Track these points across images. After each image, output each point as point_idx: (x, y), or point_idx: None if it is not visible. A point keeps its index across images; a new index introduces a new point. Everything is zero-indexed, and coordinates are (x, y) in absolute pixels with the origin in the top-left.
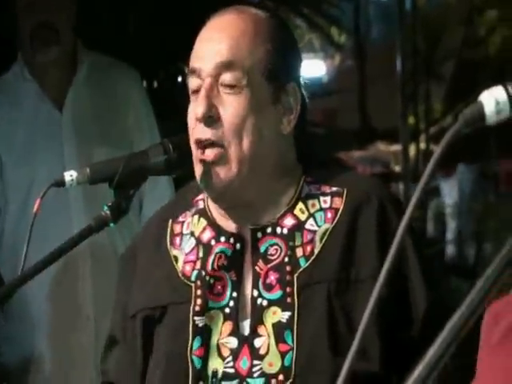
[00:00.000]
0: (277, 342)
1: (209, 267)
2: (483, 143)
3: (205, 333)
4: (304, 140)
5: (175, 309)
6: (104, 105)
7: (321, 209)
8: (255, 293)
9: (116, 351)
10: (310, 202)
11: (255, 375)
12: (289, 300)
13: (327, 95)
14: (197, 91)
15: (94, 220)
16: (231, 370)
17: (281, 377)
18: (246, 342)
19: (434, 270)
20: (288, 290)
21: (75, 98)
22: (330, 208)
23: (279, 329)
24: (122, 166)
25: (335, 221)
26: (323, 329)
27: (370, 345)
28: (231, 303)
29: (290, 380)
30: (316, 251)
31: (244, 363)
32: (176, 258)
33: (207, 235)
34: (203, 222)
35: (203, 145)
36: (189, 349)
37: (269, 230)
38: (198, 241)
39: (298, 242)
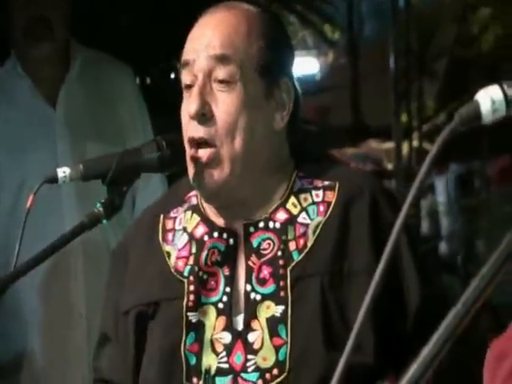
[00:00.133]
0: (271, 337)
1: (202, 263)
2: (475, 141)
3: (198, 328)
4: (297, 135)
5: (168, 305)
6: (97, 101)
7: (313, 202)
8: (248, 287)
9: (108, 348)
10: (302, 196)
11: (249, 370)
12: (282, 294)
13: (320, 92)
14: (190, 86)
15: (86, 217)
16: (225, 366)
17: (275, 371)
18: (240, 336)
19: (428, 267)
20: (281, 283)
21: (68, 95)
22: (323, 201)
23: (273, 323)
24: (115, 163)
25: (328, 214)
26: (317, 322)
27: (364, 338)
28: (224, 298)
29: (285, 374)
30: (309, 244)
31: (238, 358)
32: (168, 254)
33: (200, 231)
34: (196, 217)
35: (196, 143)
36: (182, 345)
37: (261, 224)
38: (191, 236)
39: (290, 236)
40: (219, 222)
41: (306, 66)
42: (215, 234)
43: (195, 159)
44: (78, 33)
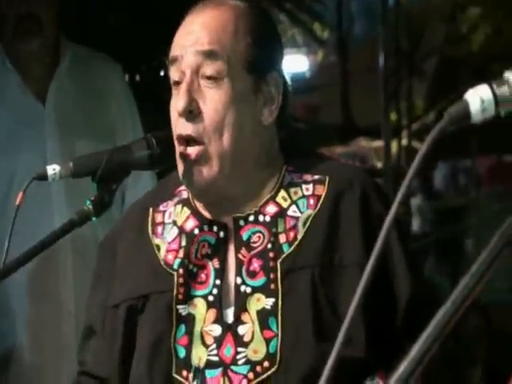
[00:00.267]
0: (261, 329)
1: (192, 256)
2: (463, 139)
3: (188, 321)
4: (286, 128)
5: (157, 298)
6: (87, 98)
7: (303, 196)
8: (238, 280)
9: (94, 341)
10: (292, 190)
11: (240, 363)
12: (272, 286)
13: (309, 91)
14: (178, 83)
15: (76, 214)
16: (215, 358)
17: (266, 364)
18: (230, 329)
19: (418, 264)
20: (272, 276)
21: (58, 91)
22: (313, 195)
23: (263, 315)
24: (105, 161)
25: (318, 207)
26: (308, 314)
27: (355, 333)
28: (214, 291)
29: (276, 367)
30: (299, 237)
31: (228, 351)
32: (158, 247)
33: (190, 224)
34: (186, 211)
35: (185, 140)
36: (172, 337)
37: (251, 218)
38: (181, 230)
39: (280, 229)
40: (209, 215)
41: (295, 64)
42: (205, 228)
43: (184, 156)
44: (67, 30)
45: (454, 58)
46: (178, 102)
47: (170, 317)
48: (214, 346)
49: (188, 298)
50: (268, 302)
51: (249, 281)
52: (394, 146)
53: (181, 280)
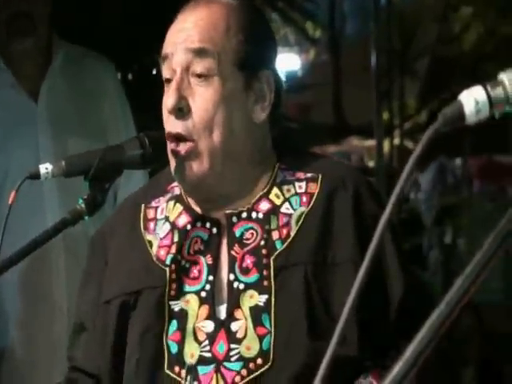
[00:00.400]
0: (254, 326)
1: (185, 251)
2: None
3: (180, 317)
4: (279, 125)
5: (149, 293)
6: (80, 96)
7: (296, 193)
8: (231, 276)
9: (84, 337)
10: (285, 188)
11: (232, 359)
12: (265, 283)
13: (302, 89)
14: (169, 80)
15: (69, 213)
16: (208, 355)
17: (259, 360)
18: (223, 326)
19: (410, 263)
20: (265, 272)
21: (50, 89)
22: (306, 193)
23: (256, 312)
24: (97, 160)
25: (311, 204)
26: (301, 311)
27: (349, 332)
28: (207, 287)
29: (269, 363)
30: (292, 234)
31: (221, 347)
32: (150, 243)
33: (183, 220)
34: (179, 207)
35: (175, 138)
36: (164, 333)
37: (244, 214)
38: (173, 226)
39: (273, 226)
40: (202, 211)
41: (287, 63)
42: (198, 224)
43: (175, 153)
44: (60, 29)
45: (446, 58)
46: (167, 100)
47: (162, 312)
48: (207, 342)
49: (180, 294)
50: (261, 299)
51: (242, 277)
52: (386, 145)
53: (173, 276)
